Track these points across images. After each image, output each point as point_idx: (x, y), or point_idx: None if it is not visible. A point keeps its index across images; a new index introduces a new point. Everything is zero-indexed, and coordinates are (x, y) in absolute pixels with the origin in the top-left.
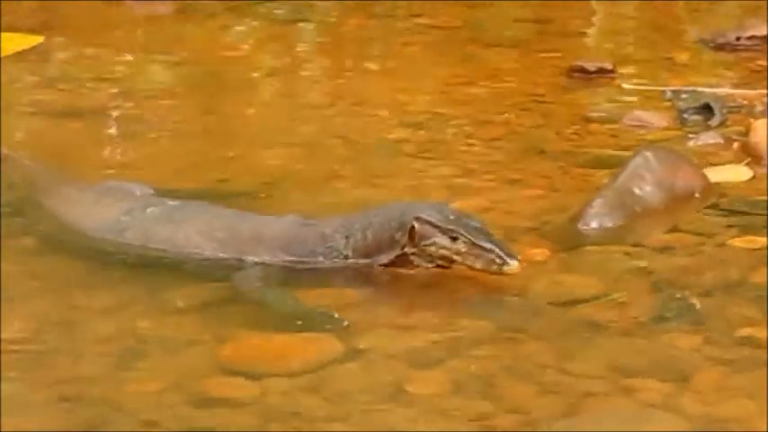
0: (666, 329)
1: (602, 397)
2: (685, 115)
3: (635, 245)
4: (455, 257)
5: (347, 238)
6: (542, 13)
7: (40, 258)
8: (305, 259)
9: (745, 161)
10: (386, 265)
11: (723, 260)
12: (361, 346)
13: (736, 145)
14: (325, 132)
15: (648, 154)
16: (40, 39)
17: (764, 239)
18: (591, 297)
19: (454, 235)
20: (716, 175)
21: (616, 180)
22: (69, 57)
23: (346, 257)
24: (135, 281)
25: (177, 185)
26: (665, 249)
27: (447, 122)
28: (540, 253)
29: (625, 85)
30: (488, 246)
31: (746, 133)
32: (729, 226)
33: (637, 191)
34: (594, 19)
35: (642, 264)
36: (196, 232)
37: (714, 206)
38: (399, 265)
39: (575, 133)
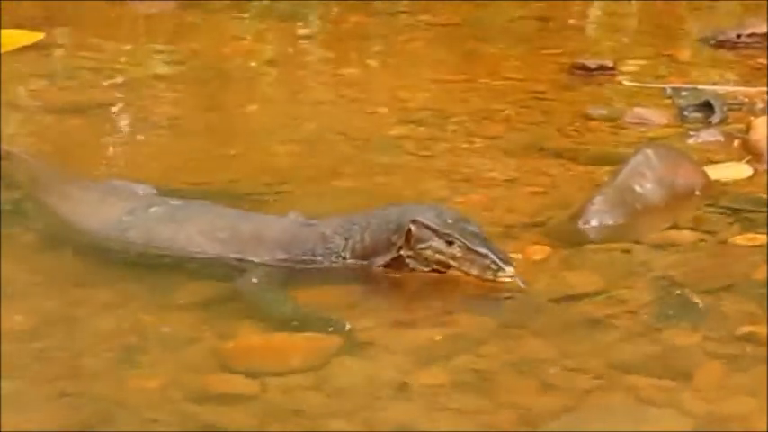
0: (667, 326)
1: (602, 394)
2: (686, 113)
3: (635, 242)
4: (450, 262)
5: (346, 239)
6: (543, 11)
7: (42, 255)
8: (305, 259)
9: (746, 159)
10: (382, 267)
11: (724, 257)
12: (362, 342)
13: (736, 142)
14: (326, 129)
15: (649, 151)
16: (40, 35)
17: (765, 237)
18: (591, 294)
19: (450, 239)
20: (716, 172)
21: (617, 177)
22: (70, 53)
23: (345, 258)
24: (136, 278)
25: (179, 183)
26: (665, 247)
27: (447, 119)
28: (540, 250)
29: (626, 83)
30: (484, 251)
31: (747, 131)
32: (730, 223)
33: (637, 188)
34: (595, 16)
35: (643, 261)
36: (198, 232)
37: (714, 204)
38: (395, 267)
39: (575, 130)
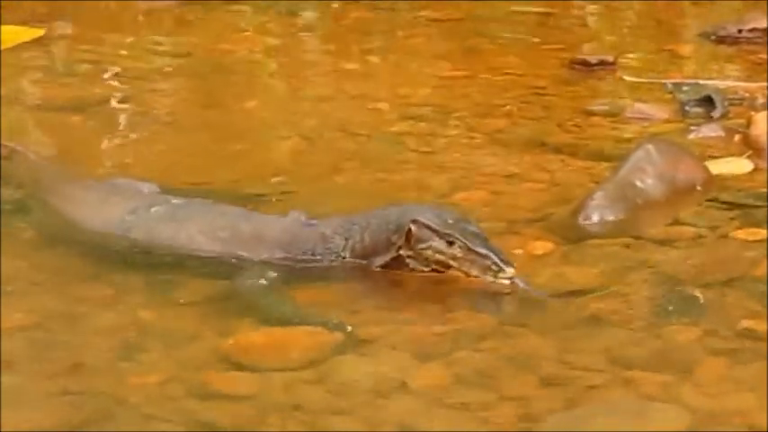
0: (667, 322)
1: (603, 389)
2: (687, 108)
3: (636, 237)
4: (451, 262)
5: (346, 239)
6: (544, 6)
7: (43, 252)
8: (305, 259)
9: (747, 153)
10: (382, 267)
11: (724, 253)
12: (363, 339)
13: (737, 137)
14: (327, 125)
15: (650, 146)
16: (41, 31)
17: (765, 232)
18: (592, 289)
19: (451, 239)
20: (717, 167)
21: (617, 173)
22: (71, 49)
23: (345, 258)
24: (137, 275)
25: (180, 180)
26: (666, 242)
27: (448, 115)
28: (541, 246)
29: (626, 78)
30: (484, 252)
31: (748, 126)
32: (731, 218)
33: (638, 183)
34: (596, 11)
35: (643, 256)
36: (198, 232)
37: (715, 199)
38: (395, 267)
39: (576, 126)
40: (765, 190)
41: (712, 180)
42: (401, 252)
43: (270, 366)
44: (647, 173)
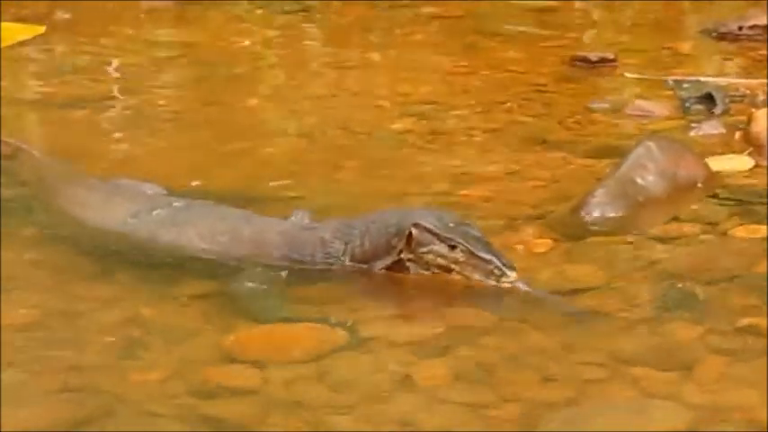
0: (668, 319)
1: (604, 386)
2: (687, 104)
3: (637, 234)
4: (452, 266)
5: (346, 243)
6: (544, 3)
7: (45, 250)
8: (304, 263)
9: (747, 150)
10: (382, 271)
11: (725, 250)
12: (364, 336)
13: (738, 134)
14: (328, 122)
15: (651, 143)
16: (41, 29)
17: (766, 229)
18: (593, 287)
19: (453, 243)
20: (718, 164)
21: (618, 170)
22: (72, 47)
23: (344, 262)
24: (138, 273)
25: (181, 179)
26: (667, 239)
27: (449, 112)
28: (542, 243)
29: (627, 75)
30: (487, 256)
31: (748, 123)
32: (731, 215)
33: (639, 180)
34: (597, 8)
35: (644, 253)
36: (198, 236)
37: (716, 196)
38: (396, 271)
39: (577, 123)
40: (766, 187)
41: (713, 177)
42: (402, 256)
43: (271, 363)
44: (648, 170)
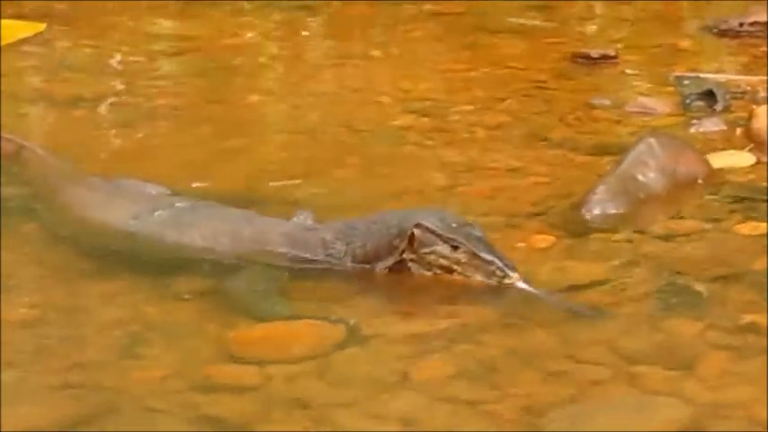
0: (670, 316)
1: (606, 383)
2: (688, 101)
3: (638, 231)
4: (455, 267)
5: (348, 244)
6: (546, 1)
7: (47, 248)
8: (306, 262)
9: (748, 147)
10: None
11: (726, 246)
12: (365, 333)
13: (738, 131)
14: (329, 120)
15: (651, 140)
16: (42, 27)
17: (767, 225)
18: (594, 283)
19: (455, 244)
20: (719, 161)
21: (619, 166)
22: (72, 44)
23: (346, 263)
24: (140, 271)
25: (182, 177)
26: (668, 236)
27: (450, 109)
28: (543, 239)
29: (628, 72)
30: (489, 257)
31: (749, 119)
32: (732, 212)
33: (640, 177)
34: (598, 5)
35: (645, 250)
36: (200, 237)
37: (717, 192)
38: (397, 272)
39: (577, 120)
40: (767, 183)
41: (714, 174)
42: (404, 256)
43: (272, 360)
44: (649, 166)
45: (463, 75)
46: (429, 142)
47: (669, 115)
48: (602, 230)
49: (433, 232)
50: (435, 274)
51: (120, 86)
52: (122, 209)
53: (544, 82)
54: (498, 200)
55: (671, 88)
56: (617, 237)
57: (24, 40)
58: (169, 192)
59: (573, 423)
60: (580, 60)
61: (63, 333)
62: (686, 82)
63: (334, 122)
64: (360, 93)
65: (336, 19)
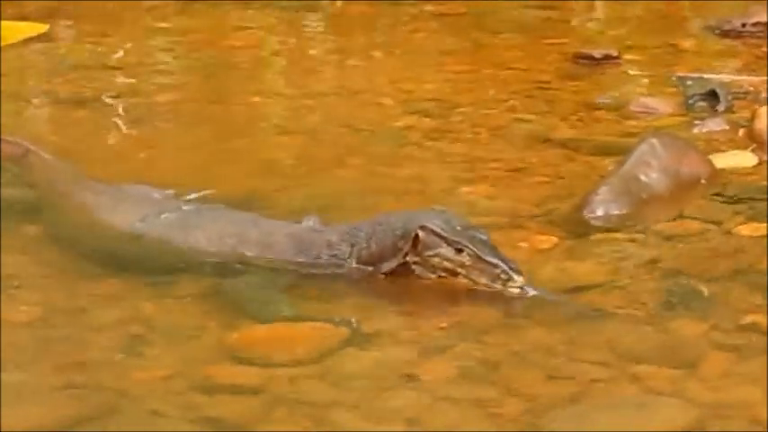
0: (673, 316)
1: (608, 383)
2: (691, 102)
3: (641, 232)
4: (459, 270)
5: (352, 246)
6: (547, 1)
7: (50, 250)
8: (310, 265)
9: (751, 147)
10: (388, 274)
11: (729, 247)
12: (368, 333)
13: (741, 131)
14: (331, 120)
15: (654, 141)
16: (44, 27)
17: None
18: (597, 284)
19: (459, 247)
20: (721, 161)
21: (622, 167)
22: (74, 45)
23: (350, 265)
24: (142, 272)
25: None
26: (670, 236)
27: (452, 110)
28: (545, 240)
29: (631, 72)
30: (494, 260)
31: (752, 119)
32: (735, 213)
33: (642, 178)
34: (600, 5)
35: (648, 251)
36: (206, 239)
37: (720, 193)
38: (401, 274)
39: (580, 120)
40: None
41: (717, 174)
42: (408, 259)
43: (275, 361)
44: (652, 167)
45: (465, 75)
46: (431, 143)
47: (672, 115)
48: (605, 231)
49: (437, 235)
50: (439, 276)
51: (121, 86)
52: (129, 211)
53: (546, 82)
54: (500, 200)
55: (673, 88)
56: (619, 237)
57: (27, 41)
58: (174, 195)
59: (575, 423)
60: (582, 61)
61: (64, 333)
62: (689, 82)
63: (335, 123)
64: (362, 93)
65: (338, 19)
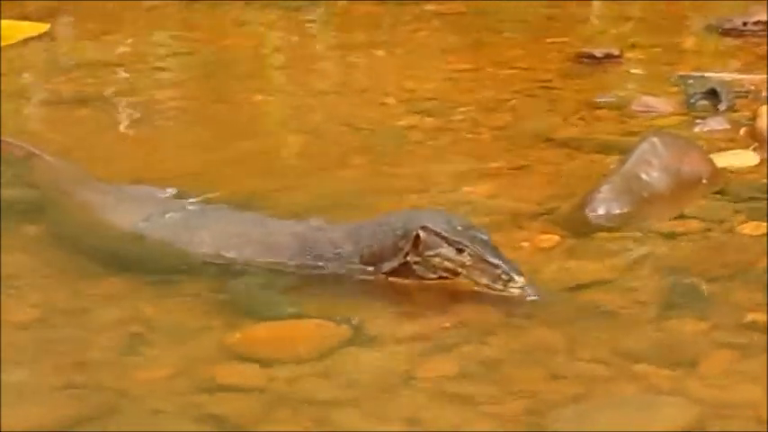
0: (674, 315)
1: (609, 382)
2: (692, 100)
3: (642, 231)
4: (459, 270)
5: (355, 244)
6: (549, 0)
7: (51, 250)
8: (313, 264)
9: (752, 146)
10: (388, 274)
11: (730, 246)
12: (370, 333)
13: (743, 130)
14: (333, 119)
15: (655, 139)
16: (45, 26)
17: None
18: (598, 283)
19: (460, 247)
20: (722, 160)
21: (623, 166)
22: (75, 44)
23: (353, 264)
24: (143, 272)
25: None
26: (672, 235)
27: (454, 109)
28: (547, 239)
29: (632, 71)
30: (495, 261)
31: (753, 118)
32: (736, 212)
33: (644, 176)
34: (601, 5)
35: (649, 249)
36: (211, 238)
37: (721, 192)
38: (402, 274)
39: (582, 119)
40: None
41: (718, 173)
42: (408, 258)
43: (277, 360)
44: (653, 166)
45: (467, 75)
46: (433, 142)
47: (673, 114)
48: (607, 230)
49: (438, 235)
50: (440, 277)
51: (122, 85)
52: (132, 211)
53: (548, 81)
54: (502, 199)
55: (675, 88)
56: (621, 236)
57: (28, 40)
58: (177, 194)
59: (576, 422)
60: (584, 60)
61: (65, 333)
62: (690, 81)
63: (337, 122)
64: (364, 92)
65: (340, 18)
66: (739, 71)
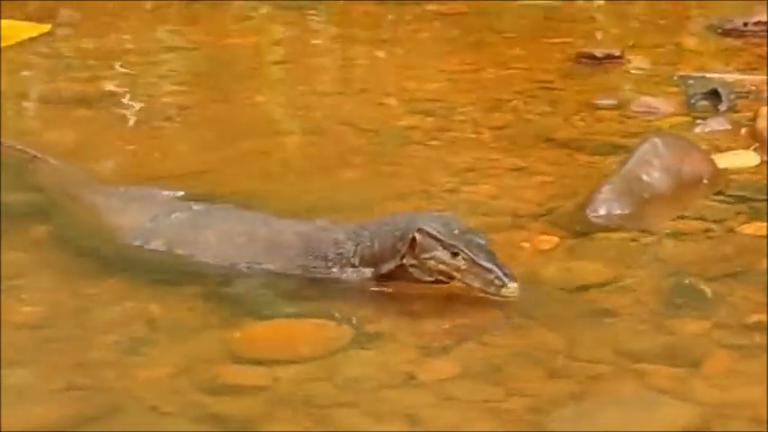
0: (675, 315)
1: (611, 382)
2: (693, 101)
3: (643, 231)
4: (454, 273)
5: (357, 244)
6: (550, 0)
7: (54, 251)
8: (316, 265)
9: (753, 147)
10: (386, 276)
11: (731, 246)
12: (371, 333)
13: (743, 130)
14: (334, 119)
15: (656, 140)
16: (46, 27)
17: None
18: (600, 283)
19: (455, 251)
20: (723, 160)
21: (624, 166)
22: (76, 44)
23: (353, 265)
24: (145, 272)
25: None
26: (673, 236)
27: (455, 109)
28: (548, 240)
29: (633, 71)
30: (489, 266)
31: (754, 119)
32: (737, 212)
33: (645, 177)
34: (602, 5)
35: (651, 250)
36: (216, 238)
37: (722, 192)
38: (399, 276)
39: (582, 120)
40: None
41: (719, 173)
42: (404, 261)
43: (279, 360)
44: (654, 166)
45: (468, 75)
46: (434, 142)
47: (674, 115)
48: (607, 230)
49: (434, 237)
50: (435, 279)
51: (123, 86)
52: (138, 212)
53: (549, 82)
54: (503, 200)
55: (676, 88)
56: (622, 237)
57: (29, 40)
58: (185, 197)
59: (578, 422)
60: (585, 60)
61: (67, 333)
62: (691, 81)
63: (338, 122)
64: (365, 93)
65: (341, 18)
66: (740, 71)
